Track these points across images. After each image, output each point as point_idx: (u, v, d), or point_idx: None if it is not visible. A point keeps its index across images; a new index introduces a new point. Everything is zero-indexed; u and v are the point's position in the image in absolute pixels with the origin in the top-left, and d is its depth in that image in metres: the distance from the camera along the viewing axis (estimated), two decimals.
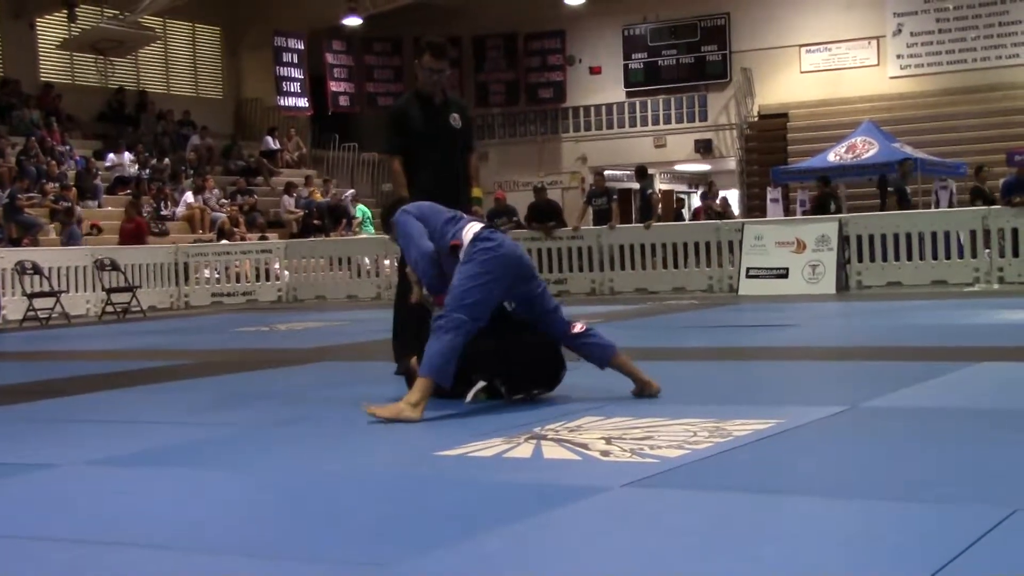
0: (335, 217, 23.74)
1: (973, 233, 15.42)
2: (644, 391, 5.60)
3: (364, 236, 22.46)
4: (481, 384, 5.42)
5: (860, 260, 15.84)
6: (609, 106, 30.17)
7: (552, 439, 4.50)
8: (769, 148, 27.49)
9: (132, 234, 19.78)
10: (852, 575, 2.66)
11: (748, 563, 2.78)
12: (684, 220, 24.92)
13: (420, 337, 5.52)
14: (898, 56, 27.29)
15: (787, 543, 2.98)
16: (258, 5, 28.79)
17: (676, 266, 17.14)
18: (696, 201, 30.22)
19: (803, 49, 28.08)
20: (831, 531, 3.14)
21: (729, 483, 3.72)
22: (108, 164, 23.89)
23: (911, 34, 27.15)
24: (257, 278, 19.71)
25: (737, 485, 3.69)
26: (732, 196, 28.68)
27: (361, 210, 23.99)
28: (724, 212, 23.18)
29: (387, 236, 6.05)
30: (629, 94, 29.90)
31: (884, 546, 2.90)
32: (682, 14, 29.10)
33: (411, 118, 7.05)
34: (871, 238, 15.83)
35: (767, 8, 28.35)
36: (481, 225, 5.57)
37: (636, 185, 21.71)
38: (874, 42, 27.50)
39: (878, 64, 27.48)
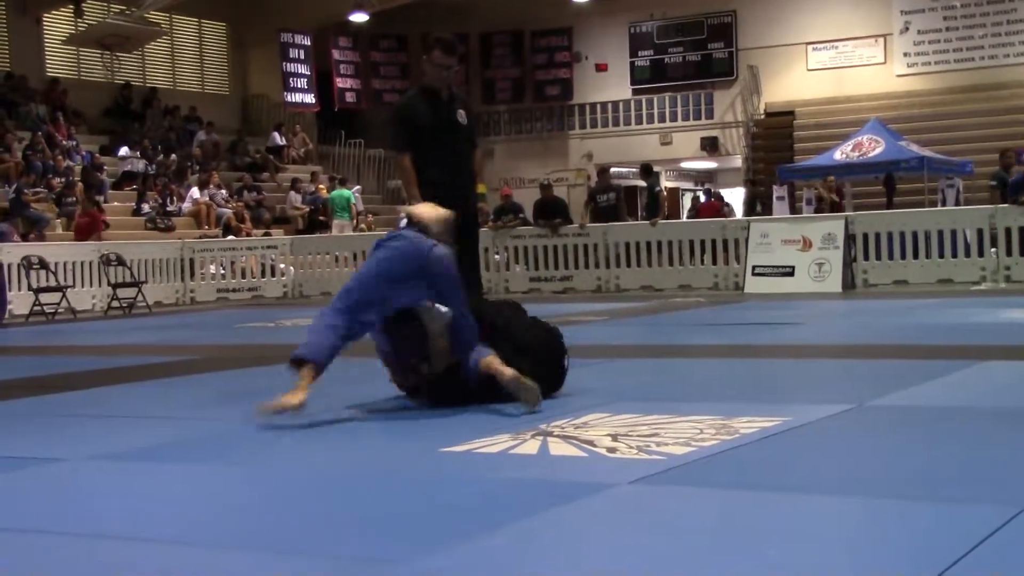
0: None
1: (980, 232, 15.39)
2: (515, 389, 5.17)
3: (340, 224, 22.60)
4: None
5: (866, 258, 15.82)
6: (615, 103, 30.18)
7: (558, 435, 4.50)
8: (775, 146, 27.49)
9: (85, 229, 18.84)
10: (858, 574, 2.65)
11: (754, 561, 2.77)
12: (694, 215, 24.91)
13: None
14: (905, 54, 27.27)
15: (793, 541, 2.97)
16: (264, 1, 28.80)
17: (682, 263, 17.13)
18: (699, 198, 30.20)
19: (810, 47, 28.07)
20: (837, 530, 3.14)
21: (735, 481, 3.72)
22: (122, 155, 23.87)
23: (918, 32, 27.13)
24: (263, 274, 19.72)
25: (743, 483, 3.69)
26: (737, 194, 28.66)
27: (335, 197, 23.71)
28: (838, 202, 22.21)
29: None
30: (635, 91, 29.91)
31: (890, 545, 2.90)
32: (688, 11, 29.09)
33: (419, 113, 7.05)
34: (877, 236, 15.81)
35: (774, 6, 28.34)
36: (405, 227, 5.59)
37: (641, 183, 21.68)
38: (881, 40, 27.48)
39: (885, 62, 27.47)
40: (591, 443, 4.31)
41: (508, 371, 5.18)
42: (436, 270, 5.36)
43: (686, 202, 32.73)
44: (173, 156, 24.86)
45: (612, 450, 4.17)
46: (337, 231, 22.46)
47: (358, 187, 26.28)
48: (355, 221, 23.85)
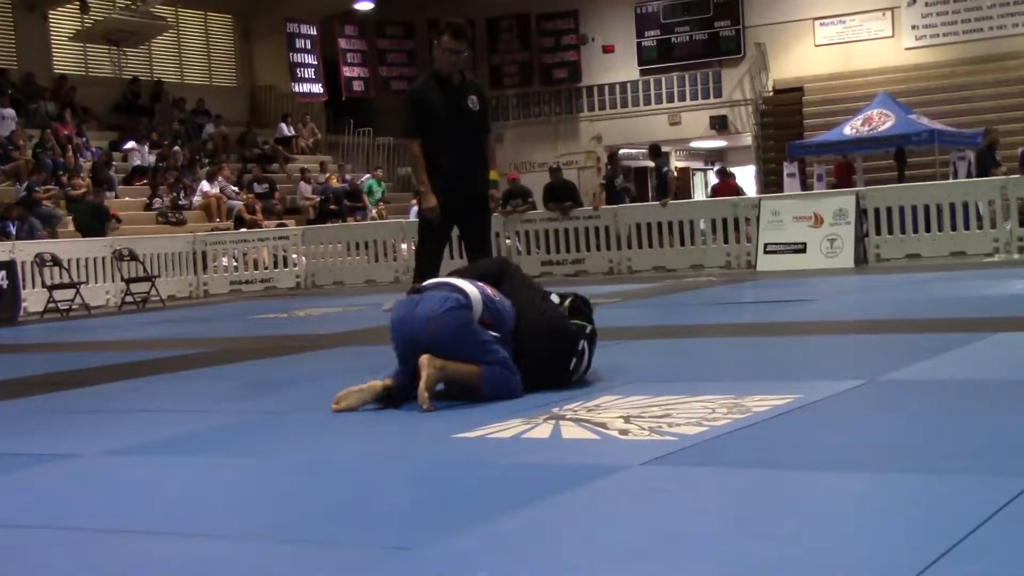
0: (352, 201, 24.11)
1: (992, 203, 15.33)
2: None
3: (375, 215, 23.12)
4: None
5: (878, 233, 15.78)
6: (623, 84, 30.10)
7: (570, 419, 4.51)
8: (785, 123, 27.39)
9: None
10: (871, 550, 2.66)
11: (766, 540, 2.78)
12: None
13: None
14: (913, 27, 27.12)
15: (805, 519, 2.98)
16: None
17: (694, 243, 17.11)
18: (712, 178, 30.13)
19: (817, 22, 27.94)
20: (850, 506, 3.15)
21: (747, 459, 3.73)
22: (130, 147, 23.89)
23: (926, 4, 26.96)
24: (275, 265, 19.77)
25: (755, 461, 3.70)
26: (748, 172, 28.60)
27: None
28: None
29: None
30: (643, 72, 29.83)
31: (903, 519, 2.91)
32: None
33: (430, 100, 7.04)
34: (889, 211, 15.76)
35: None
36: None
37: (651, 164, 21.66)
38: (888, 13, 27.33)
39: (893, 35, 27.32)
40: (603, 425, 4.32)
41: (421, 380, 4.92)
42: (426, 335, 5.01)
43: (696, 182, 32.70)
44: (175, 148, 24.80)
45: (624, 432, 4.18)
46: None
47: (368, 176, 26.32)
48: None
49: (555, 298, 5.52)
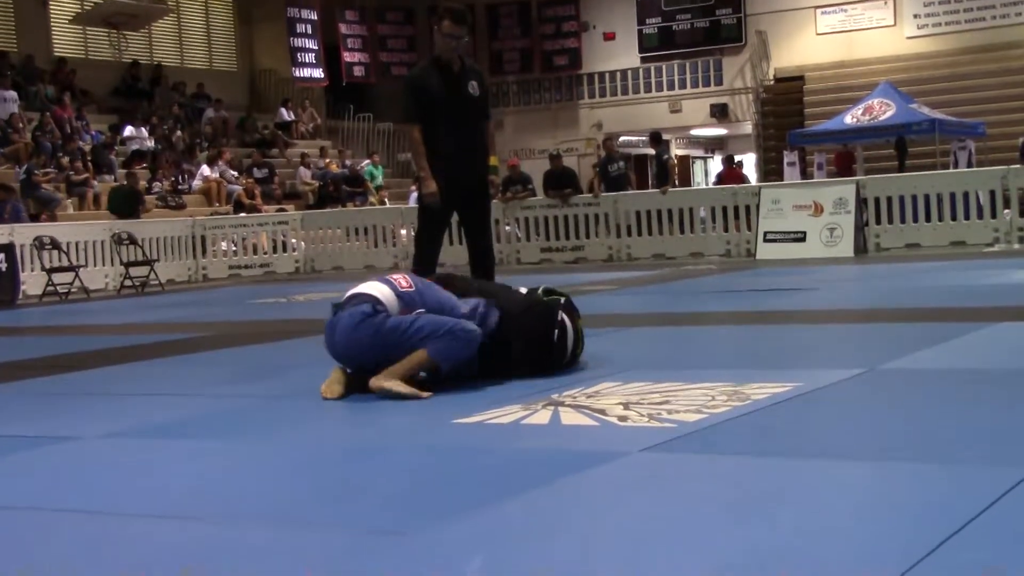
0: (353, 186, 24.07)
1: (992, 193, 15.31)
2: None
3: (373, 201, 23.14)
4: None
5: (878, 222, 15.75)
6: (624, 72, 30.05)
7: (570, 405, 4.50)
8: (785, 111, 27.36)
9: None
10: (869, 538, 2.65)
11: (765, 527, 2.78)
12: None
13: None
14: (915, 15, 27.06)
15: (804, 506, 2.98)
16: None
17: (693, 231, 17.09)
18: (712, 166, 30.12)
19: (818, 10, 27.89)
20: (848, 494, 3.14)
21: (747, 447, 3.72)
22: (127, 134, 23.86)
23: None
24: (274, 250, 19.76)
25: (754, 449, 3.69)
26: (749, 160, 28.57)
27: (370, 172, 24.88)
28: None
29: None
30: (644, 59, 29.78)
31: (901, 509, 2.90)
32: None
33: (430, 86, 7.02)
34: (889, 200, 15.74)
35: None
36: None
37: (651, 151, 21.64)
38: (890, 2, 27.29)
39: (895, 24, 27.27)
40: (602, 412, 4.31)
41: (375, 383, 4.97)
42: (350, 354, 5.12)
43: (696, 170, 32.68)
44: (179, 133, 24.77)
45: (623, 419, 4.18)
46: None
47: (367, 161, 26.28)
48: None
49: (523, 289, 5.59)
